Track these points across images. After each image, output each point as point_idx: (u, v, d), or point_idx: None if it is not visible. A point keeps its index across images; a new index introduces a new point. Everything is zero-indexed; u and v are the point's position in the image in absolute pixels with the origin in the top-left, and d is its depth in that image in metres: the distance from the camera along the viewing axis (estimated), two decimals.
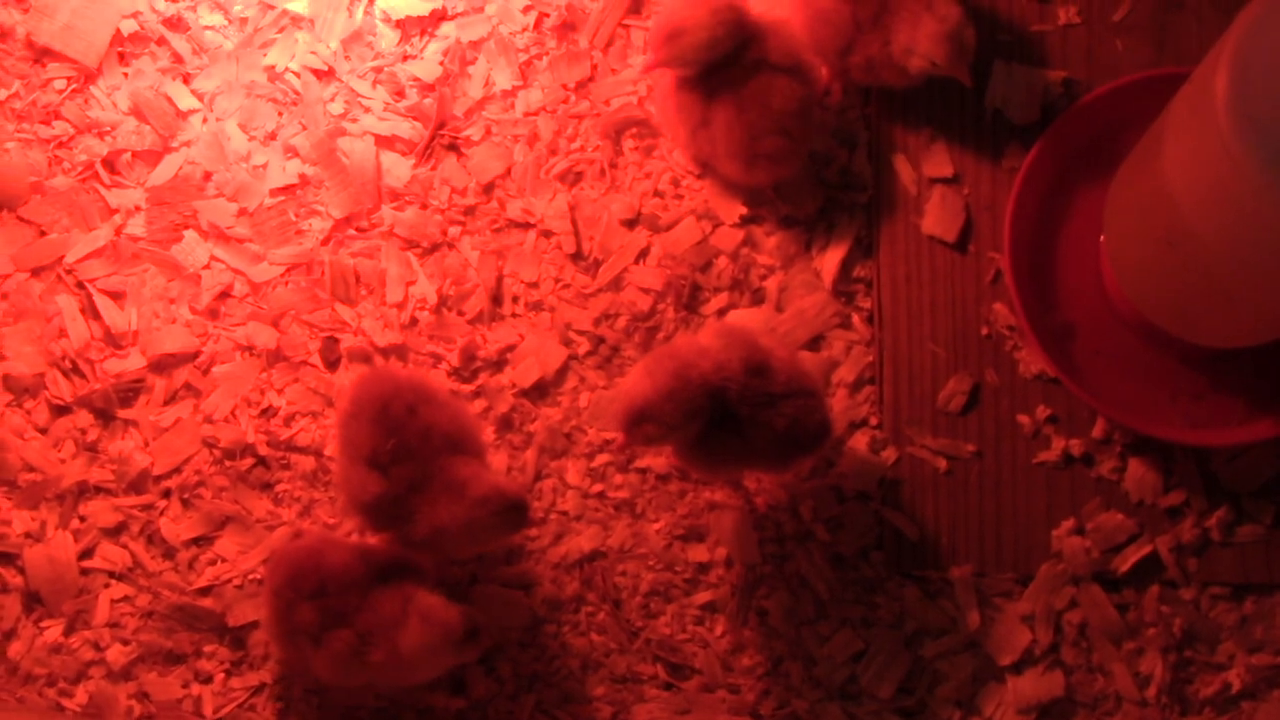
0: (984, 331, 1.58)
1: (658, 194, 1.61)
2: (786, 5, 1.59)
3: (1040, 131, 1.58)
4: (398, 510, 1.42)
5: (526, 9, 1.65)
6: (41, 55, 1.64)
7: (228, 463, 1.57)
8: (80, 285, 1.59)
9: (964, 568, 1.54)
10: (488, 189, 1.62)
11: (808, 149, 1.56)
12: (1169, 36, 1.61)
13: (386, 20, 1.65)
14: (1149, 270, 1.46)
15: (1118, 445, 1.56)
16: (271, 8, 1.65)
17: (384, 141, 1.63)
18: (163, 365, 1.58)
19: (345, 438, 1.44)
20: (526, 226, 1.61)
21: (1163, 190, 1.36)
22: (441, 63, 1.64)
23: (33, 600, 1.54)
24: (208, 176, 1.62)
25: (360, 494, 1.42)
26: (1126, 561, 1.54)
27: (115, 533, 1.56)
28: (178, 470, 1.57)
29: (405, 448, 1.42)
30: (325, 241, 1.61)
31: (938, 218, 1.60)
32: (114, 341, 1.58)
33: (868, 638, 1.53)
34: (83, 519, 1.56)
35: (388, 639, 1.40)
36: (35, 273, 1.60)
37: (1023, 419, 1.56)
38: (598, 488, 1.55)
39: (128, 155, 1.62)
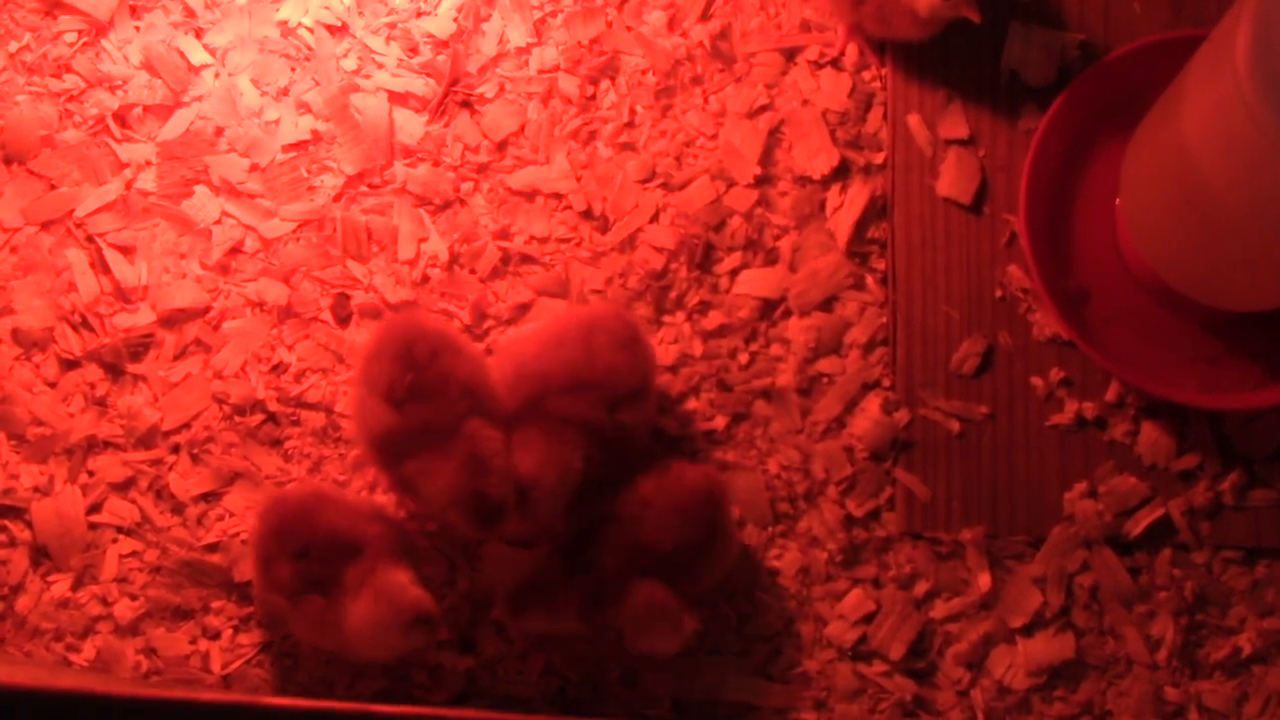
0: (998, 294, 1.59)
1: (672, 154, 1.62)
2: None
3: (1057, 93, 1.59)
4: (404, 451, 1.43)
5: None
6: (53, 8, 1.65)
7: (237, 419, 1.57)
8: (90, 239, 1.60)
9: (976, 529, 1.55)
10: (501, 146, 1.62)
11: None
12: None
13: None
14: (1167, 232, 1.47)
15: (1131, 409, 1.57)
16: None
17: (397, 98, 1.63)
18: (173, 320, 1.59)
19: (366, 371, 1.46)
20: (537, 188, 1.61)
21: (1182, 150, 1.37)
22: (455, 19, 1.65)
23: (40, 555, 1.55)
24: (219, 132, 1.63)
25: (374, 426, 1.44)
26: (1139, 525, 1.55)
27: (124, 488, 1.57)
28: (187, 426, 1.58)
29: (422, 387, 1.44)
30: (337, 198, 1.62)
31: (953, 179, 1.60)
32: (124, 296, 1.59)
33: (879, 599, 1.54)
34: (91, 474, 1.57)
35: (345, 609, 1.41)
36: (45, 226, 1.61)
37: (1036, 382, 1.57)
38: None
39: (139, 109, 1.63)
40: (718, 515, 1.45)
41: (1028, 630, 1.54)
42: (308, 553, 1.43)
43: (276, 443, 1.58)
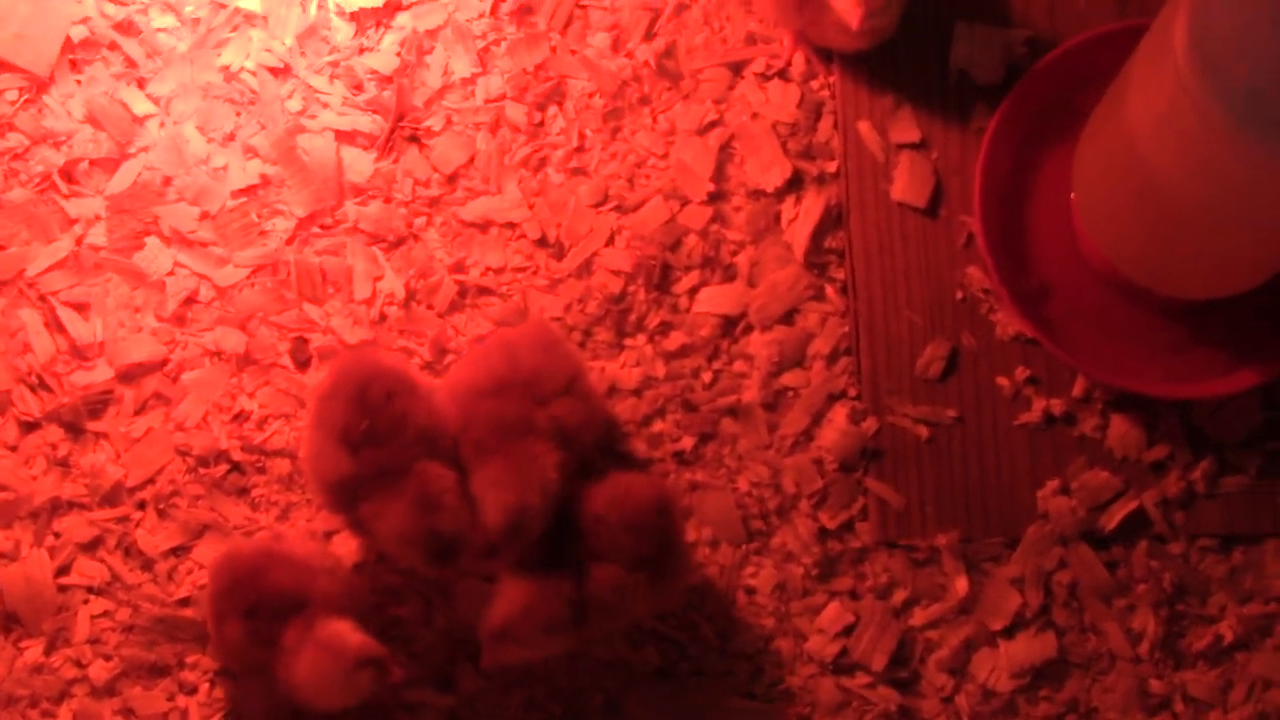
0: (959, 296, 1.59)
1: (623, 176, 1.61)
2: None
3: (1006, 91, 1.59)
4: (359, 494, 1.43)
5: None
6: None
7: (202, 470, 1.57)
8: (43, 298, 1.60)
9: (950, 534, 1.54)
10: (451, 179, 1.62)
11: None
12: None
13: (341, 14, 1.65)
14: (1121, 224, 1.47)
15: (1099, 403, 1.56)
16: (224, 6, 1.65)
17: (344, 136, 1.63)
18: (131, 375, 1.58)
19: (319, 415, 1.46)
20: (490, 218, 1.60)
21: (1129, 143, 1.36)
22: (398, 54, 1.64)
23: (11, 621, 1.54)
24: (167, 181, 1.62)
25: (329, 472, 1.44)
26: (1113, 519, 1.54)
27: (91, 547, 1.56)
28: (151, 481, 1.57)
29: (377, 432, 1.43)
30: (290, 241, 1.61)
31: (907, 184, 1.60)
32: (80, 354, 1.58)
33: (857, 610, 1.54)
34: (57, 535, 1.56)
35: (290, 669, 1.41)
36: None
37: (1002, 381, 1.57)
38: None
39: (85, 164, 1.62)
40: (670, 527, 1.45)
41: (1008, 632, 1.54)
42: (257, 612, 1.43)
43: (243, 492, 1.57)
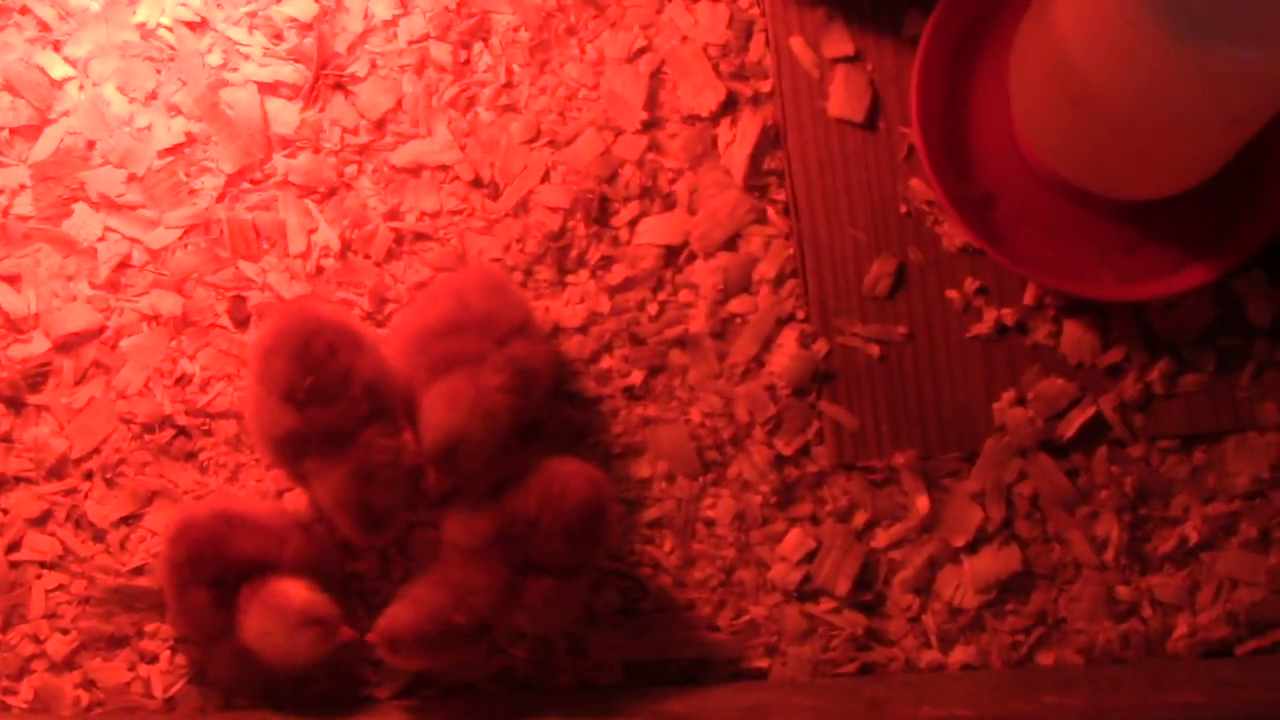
0: (903, 209, 1.56)
1: (555, 110, 1.58)
2: None
3: None
4: (304, 451, 1.42)
5: None
6: None
7: (147, 437, 1.55)
8: None
9: (908, 453, 1.53)
10: (379, 124, 1.59)
11: None
12: None
13: None
14: (1058, 130, 1.45)
15: (1051, 309, 1.54)
16: None
17: (267, 88, 1.60)
18: (68, 345, 1.56)
19: (261, 371, 1.44)
20: (422, 162, 1.58)
21: (1059, 47, 1.34)
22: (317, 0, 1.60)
23: None
24: (91, 145, 1.59)
25: (272, 428, 1.42)
26: (1071, 426, 1.53)
27: (41, 522, 1.54)
28: (97, 451, 1.55)
29: (322, 389, 1.41)
30: (220, 198, 1.59)
31: (843, 98, 1.57)
32: (15, 327, 1.56)
33: (818, 535, 1.52)
34: (5, 512, 1.54)
35: (242, 625, 1.41)
36: None
37: (952, 294, 1.55)
38: None
39: (5, 133, 1.59)
40: (606, 524, 1.43)
41: (972, 548, 1.52)
42: (222, 580, 1.43)
43: (190, 456, 1.55)
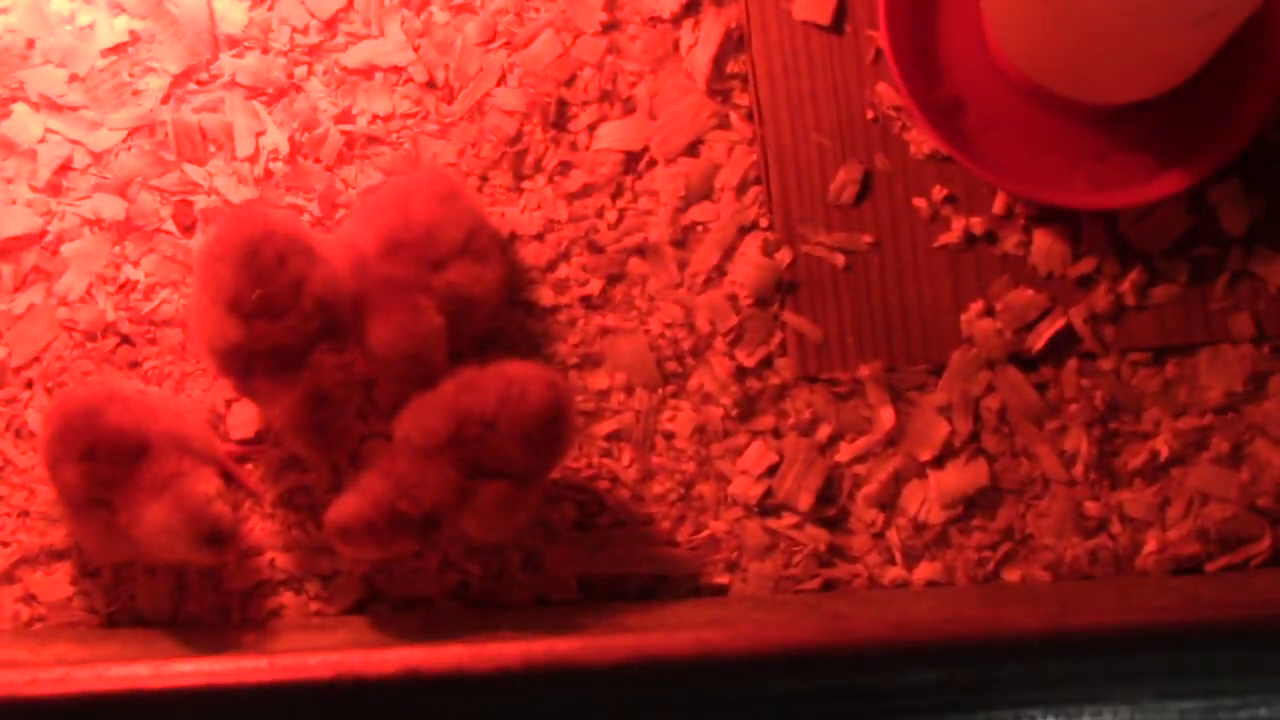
0: (870, 115, 1.52)
1: (512, 10, 1.53)
2: None
3: None
4: (252, 365, 1.37)
5: None
6: None
7: (90, 345, 1.50)
8: None
9: (873, 364, 1.49)
10: (330, 24, 1.54)
11: None
12: None
13: None
14: (1031, 30, 1.40)
15: (1020, 218, 1.50)
16: None
17: None
18: (7, 250, 1.52)
19: (207, 278, 1.39)
20: (374, 63, 1.52)
21: None
22: None
23: None
24: (30, 44, 1.54)
25: (217, 340, 1.38)
26: (1040, 338, 1.49)
27: None
28: (38, 359, 1.51)
29: (271, 300, 1.36)
30: (165, 99, 1.54)
31: (809, 1, 1.52)
32: None
33: (780, 449, 1.48)
34: None
35: (138, 508, 1.36)
36: None
37: (919, 202, 1.51)
38: None
39: None
40: (565, 430, 1.39)
41: (938, 462, 1.48)
42: (93, 453, 1.37)
43: (134, 364, 1.51)
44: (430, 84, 1.53)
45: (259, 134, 1.53)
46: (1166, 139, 1.49)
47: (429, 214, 1.42)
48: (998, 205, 1.51)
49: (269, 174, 1.52)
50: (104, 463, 1.37)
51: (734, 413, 1.49)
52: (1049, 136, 1.50)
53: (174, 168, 1.52)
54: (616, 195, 1.52)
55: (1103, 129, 1.49)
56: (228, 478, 1.45)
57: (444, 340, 1.41)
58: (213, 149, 1.53)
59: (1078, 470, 1.48)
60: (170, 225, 1.52)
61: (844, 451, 1.49)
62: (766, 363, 1.50)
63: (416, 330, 1.40)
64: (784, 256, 1.50)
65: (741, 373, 1.49)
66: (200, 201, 1.52)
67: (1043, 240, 1.50)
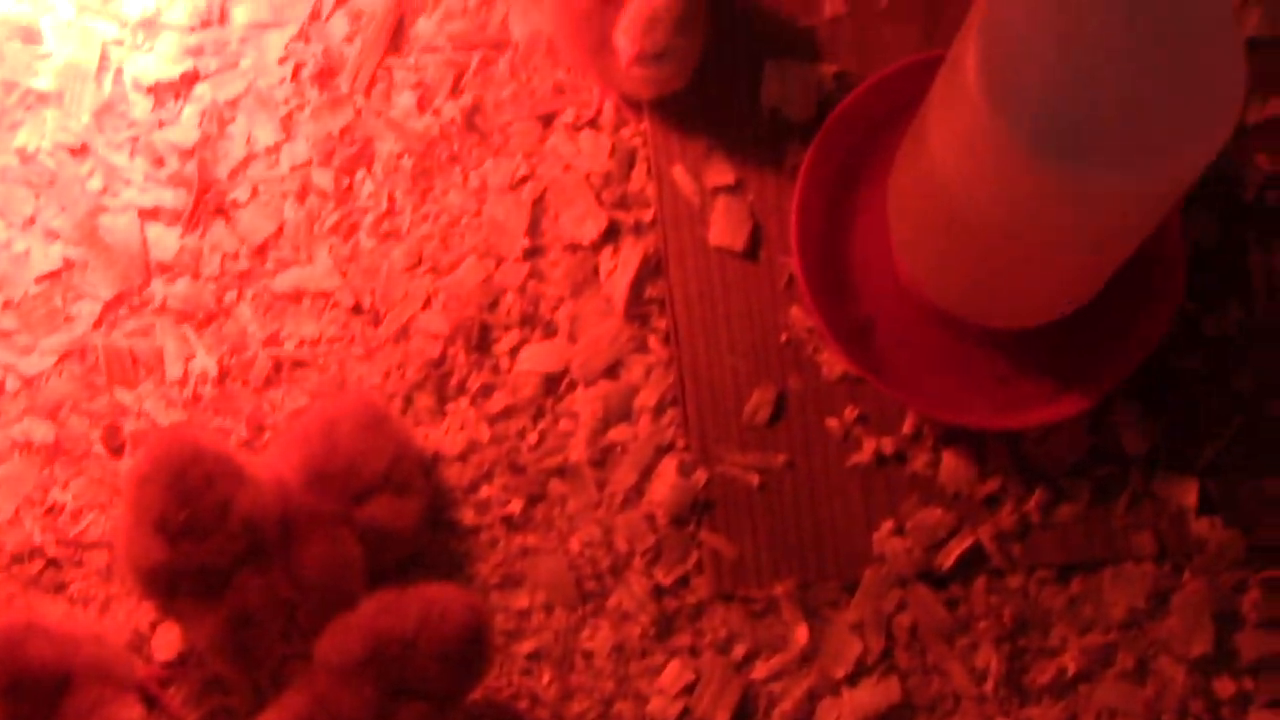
0: (783, 338, 1.56)
1: (437, 237, 1.58)
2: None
3: (818, 127, 1.56)
4: (177, 586, 1.39)
5: (282, 60, 1.62)
6: None
7: (16, 568, 1.53)
8: None
9: (787, 582, 1.52)
10: (260, 250, 1.58)
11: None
12: (937, 20, 1.61)
13: (138, 88, 1.61)
14: (936, 256, 1.46)
15: (929, 438, 1.54)
16: (15, 85, 1.61)
17: (148, 213, 1.59)
18: None
19: (135, 499, 1.41)
20: (303, 288, 1.57)
21: (934, 173, 1.35)
22: (199, 125, 1.61)
23: None
24: None
25: (142, 560, 1.40)
26: (950, 556, 1.52)
27: None
28: None
29: (198, 523, 1.39)
30: (97, 324, 1.57)
31: (724, 227, 1.58)
32: None
33: (697, 667, 1.51)
34: None
35: None
36: None
37: (831, 423, 1.55)
38: None
39: None
40: (485, 651, 1.42)
41: (851, 680, 1.51)
42: (16, 692, 1.39)
43: (60, 587, 1.53)
44: (357, 308, 1.58)
45: (189, 358, 1.56)
46: (1067, 361, 1.54)
47: (353, 444, 1.46)
48: (907, 425, 1.55)
49: (198, 397, 1.56)
50: (26, 701, 1.39)
51: (651, 631, 1.52)
52: (956, 358, 1.55)
53: (104, 391, 1.56)
54: (537, 416, 1.56)
55: (1007, 351, 1.54)
56: (150, 702, 1.47)
57: (363, 568, 1.45)
58: (143, 373, 1.56)
59: (988, 687, 1.51)
60: (99, 448, 1.55)
61: (759, 669, 1.51)
62: (683, 581, 1.53)
63: (336, 561, 1.43)
64: (700, 476, 1.54)
65: (659, 591, 1.52)
66: (130, 424, 1.55)
67: (950, 460, 1.54)
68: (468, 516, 1.54)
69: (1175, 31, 1.20)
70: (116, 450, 1.55)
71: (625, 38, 1.48)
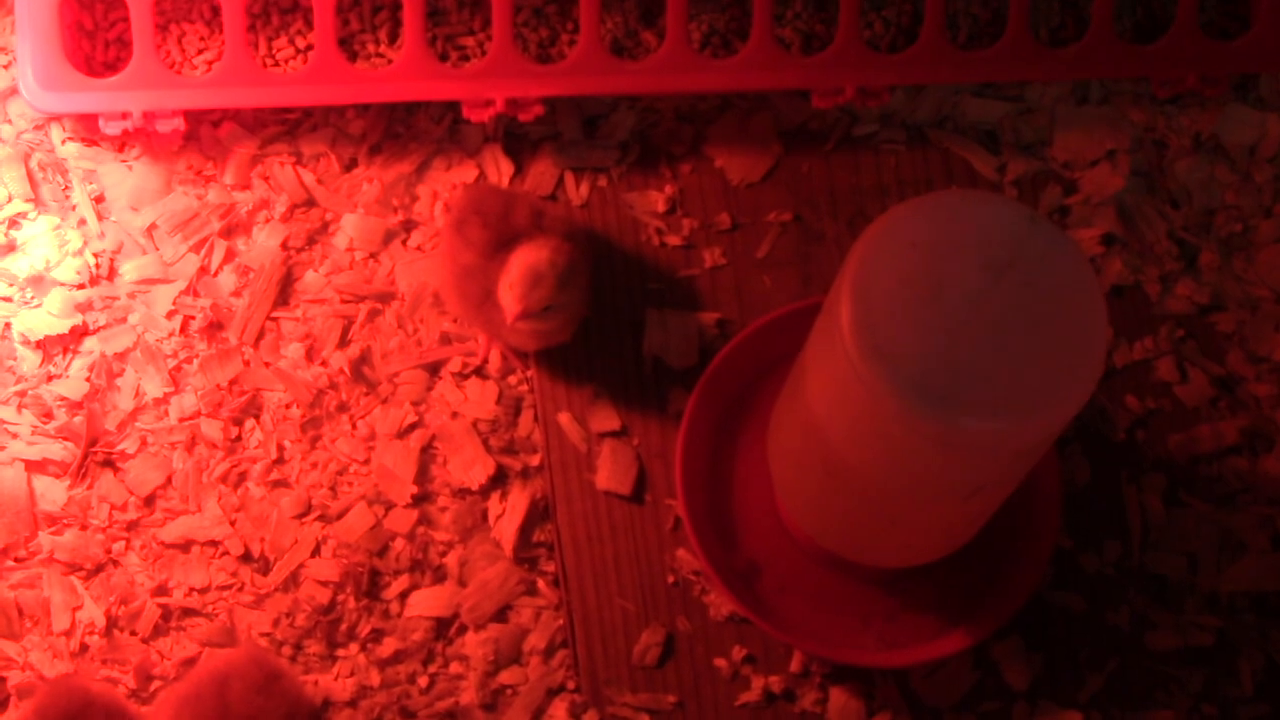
0: (671, 580, 1.60)
1: (325, 485, 1.61)
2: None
3: (701, 373, 1.62)
4: None
5: (170, 314, 1.66)
6: None
7: None
8: None
9: None
10: (149, 501, 1.60)
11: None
12: (814, 268, 1.68)
13: (26, 342, 1.64)
14: (815, 501, 1.50)
15: (817, 676, 1.58)
16: None
17: (35, 466, 1.61)
18: None
19: None
20: (191, 538, 1.59)
21: (811, 421, 1.40)
22: (88, 378, 1.64)
23: None
24: None
25: None
26: None
27: None
28: None
29: None
30: None
31: (610, 472, 1.62)
32: None
33: None
34: None
35: None
36: None
37: (720, 663, 1.58)
38: None
39: None
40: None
41: None
42: None
43: None
44: (246, 556, 1.60)
45: (76, 609, 1.58)
46: (950, 599, 1.59)
47: (245, 707, 1.47)
48: (795, 664, 1.59)
49: (85, 647, 1.57)
50: None
51: None
52: (840, 598, 1.59)
53: None
54: (428, 661, 1.58)
55: (890, 590, 1.59)
56: None
57: None
58: (28, 625, 1.57)
59: None
60: None
61: None
62: None
63: None
64: (591, 718, 1.57)
65: None
66: (14, 677, 1.56)
67: (839, 697, 1.58)
68: None
69: (1040, 291, 1.27)
70: (0, 703, 1.55)
71: (510, 295, 1.53)
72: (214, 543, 1.60)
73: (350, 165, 1.69)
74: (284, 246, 1.67)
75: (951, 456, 1.30)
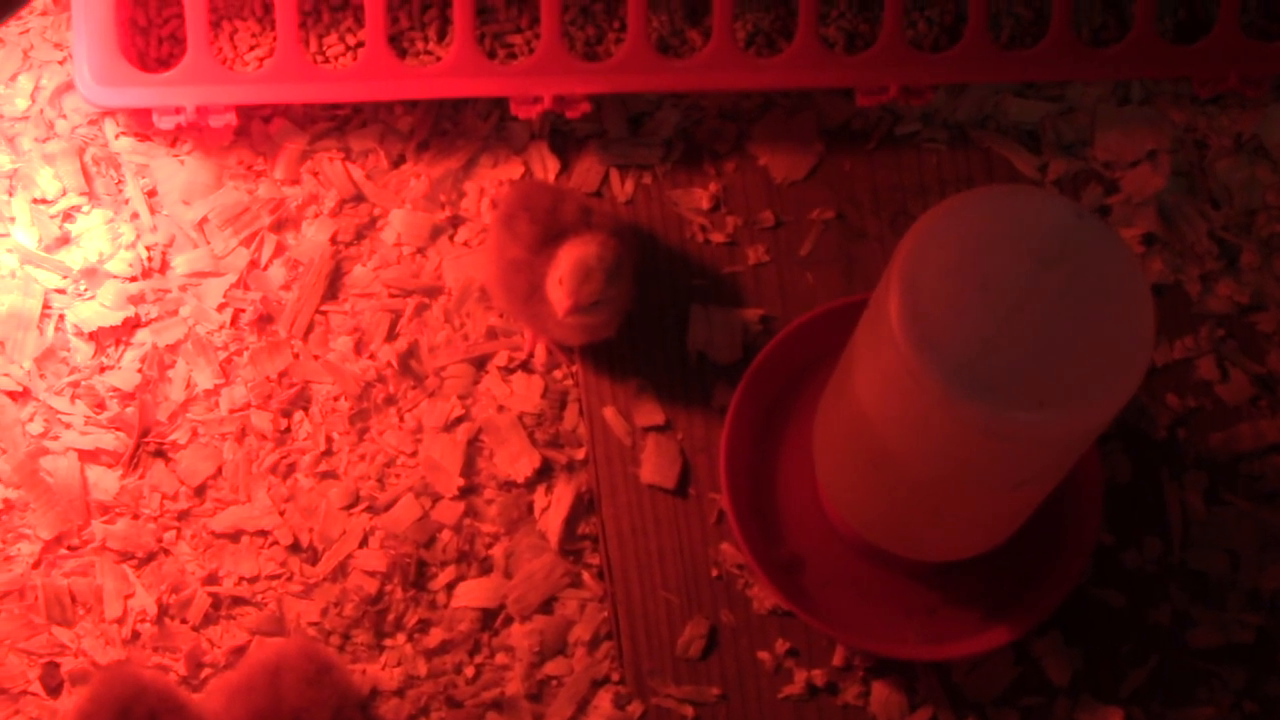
0: (714, 573, 1.63)
1: (373, 477, 1.65)
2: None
3: (744, 368, 1.65)
4: None
5: (221, 307, 1.69)
6: None
7: None
8: None
9: None
10: (199, 491, 1.64)
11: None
12: (856, 266, 1.71)
13: (79, 334, 1.68)
14: (860, 494, 1.54)
15: (859, 670, 1.61)
16: None
17: (88, 455, 1.65)
18: None
19: None
20: (241, 528, 1.63)
21: (858, 414, 1.43)
22: (140, 370, 1.67)
23: None
24: None
25: None
26: None
27: None
28: None
29: None
30: (36, 564, 1.62)
31: (655, 466, 1.66)
32: None
33: None
34: None
35: None
36: None
37: (763, 656, 1.61)
38: None
39: None
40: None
41: None
42: None
43: None
44: (295, 546, 1.64)
45: (128, 597, 1.62)
46: (993, 593, 1.62)
47: (298, 697, 1.51)
48: (838, 658, 1.62)
49: (136, 634, 1.61)
50: None
51: None
52: (883, 592, 1.63)
53: (43, 630, 1.60)
54: (474, 651, 1.62)
55: (933, 584, 1.63)
56: None
57: None
58: (81, 612, 1.61)
59: None
60: (36, 687, 1.59)
61: None
62: None
63: None
64: (635, 709, 1.60)
65: None
66: (68, 663, 1.60)
67: (881, 691, 1.61)
68: None
69: (1087, 284, 1.30)
70: (54, 689, 1.59)
71: (560, 289, 1.57)
72: (263, 533, 1.64)
73: (398, 161, 1.73)
74: (333, 241, 1.71)
75: (997, 448, 1.33)
